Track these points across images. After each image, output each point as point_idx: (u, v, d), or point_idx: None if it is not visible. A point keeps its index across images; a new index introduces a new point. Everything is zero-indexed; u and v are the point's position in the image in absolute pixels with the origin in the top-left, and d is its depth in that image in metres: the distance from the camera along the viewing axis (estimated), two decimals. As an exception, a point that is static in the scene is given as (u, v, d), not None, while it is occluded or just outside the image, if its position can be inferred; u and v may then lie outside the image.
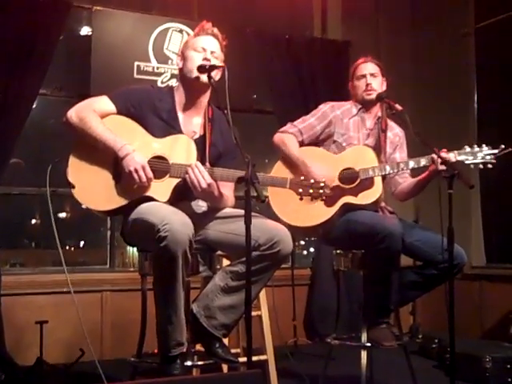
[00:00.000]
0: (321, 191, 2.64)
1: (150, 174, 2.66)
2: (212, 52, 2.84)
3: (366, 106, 3.43)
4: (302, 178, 2.67)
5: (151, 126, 2.80)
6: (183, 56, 2.90)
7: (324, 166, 3.20)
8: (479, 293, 5.02)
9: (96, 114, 2.75)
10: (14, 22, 4.38)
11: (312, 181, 2.64)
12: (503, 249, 5.14)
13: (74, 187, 2.71)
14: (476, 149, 3.09)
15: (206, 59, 2.80)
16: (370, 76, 3.38)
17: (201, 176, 2.63)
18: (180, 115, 2.88)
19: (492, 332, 4.84)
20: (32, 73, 4.44)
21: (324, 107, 3.48)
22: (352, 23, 5.77)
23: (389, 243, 3.00)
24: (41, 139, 5.44)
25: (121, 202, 2.71)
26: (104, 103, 2.81)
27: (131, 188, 2.68)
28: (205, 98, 2.92)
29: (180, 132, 2.83)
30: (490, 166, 3.09)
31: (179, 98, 2.91)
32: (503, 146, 3.07)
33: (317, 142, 3.47)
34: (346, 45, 5.65)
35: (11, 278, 4.42)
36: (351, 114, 3.44)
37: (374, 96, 3.36)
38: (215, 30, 2.90)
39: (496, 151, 3.07)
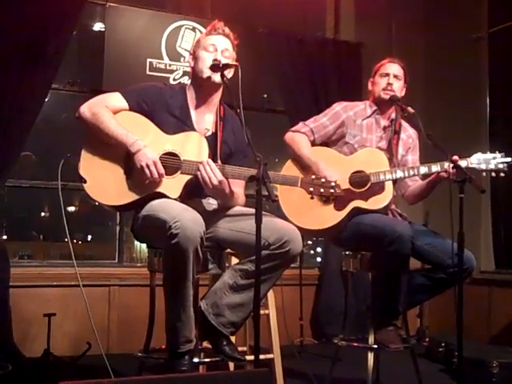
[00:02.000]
0: (331, 190, 2.64)
1: (162, 170, 2.67)
2: (223, 51, 2.84)
3: (381, 107, 3.41)
4: (314, 176, 2.67)
5: (163, 123, 2.81)
6: (195, 55, 2.90)
7: (335, 170, 3.17)
8: (488, 298, 5.00)
9: (108, 109, 2.76)
10: (28, 17, 4.39)
11: (323, 180, 2.64)
12: (512, 254, 5.12)
13: (85, 182, 2.72)
14: (489, 156, 3.08)
15: (215, 60, 2.79)
16: (394, 77, 3.36)
17: (212, 173, 2.64)
18: (192, 112, 2.89)
19: (500, 337, 4.82)
20: (44, 67, 4.46)
21: (337, 107, 3.46)
22: (365, 25, 5.76)
23: (398, 246, 2.99)
24: (52, 133, 5.47)
25: (132, 197, 2.72)
26: (116, 99, 2.82)
27: (142, 183, 2.69)
28: (217, 97, 2.93)
29: (192, 129, 2.83)
30: (502, 174, 3.08)
31: (191, 95, 2.92)
32: None
33: (329, 142, 3.46)
34: (359, 46, 5.64)
35: (20, 270, 4.45)
36: (365, 115, 3.42)
37: (388, 97, 3.35)
38: (226, 30, 2.90)
39: (509, 159, 3.06)
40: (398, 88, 3.37)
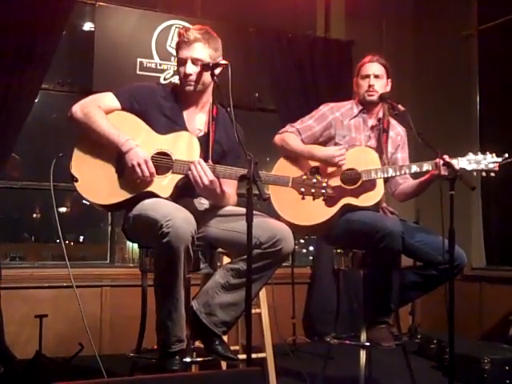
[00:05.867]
0: (323, 191, 2.64)
1: (153, 169, 2.67)
2: (195, 60, 2.77)
3: (367, 106, 3.42)
4: (305, 177, 2.67)
5: (155, 123, 2.80)
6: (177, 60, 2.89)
7: (327, 168, 3.19)
8: (479, 294, 5.02)
9: (101, 109, 2.76)
10: (18, 17, 4.38)
11: (314, 180, 2.64)
12: (503, 251, 5.13)
13: (76, 180, 2.71)
14: (479, 156, 3.08)
15: (185, 74, 2.78)
16: (374, 77, 3.35)
17: (203, 172, 2.64)
18: (184, 113, 2.88)
19: (491, 333, 4.84)
20: (34, 67, 4.45)
21: (323, 108, 3.46)
22: (355, 23, 5.77)
23: (389, 242, 2.99)
24: (42, 134, 5.45)
25: (123, 196, 2.72)
26: (109, 99, 2.82)
27: (134, 182, 2.69)
28: (207, 96, 2.92)
29: (184, 129, 2.82)
30: (492, 174, 3.08)
31: (183, 95, 2.90)
32: (507, 155, 3.05)
33: (317, 144, 3.46)
34: (349, 44, 5.65)
35: (11, 272, 4.43)
36: (352, 115, 3.42)
37: (375, 98, 3.35)
38: (195, 34, 2.77)
39: (499, 159, 3.06)
40: (381, 86, 3.36)
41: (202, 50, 2.78)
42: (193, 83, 2.79)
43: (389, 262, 3.08)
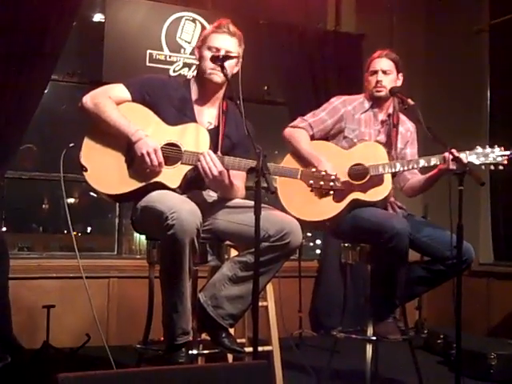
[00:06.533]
0: (331, 184, 2.63)
1: (162, 159, 2.67)
2: (227, 52, 2.80)
3: (377, 101, 3.40)
4: (314, 169, 2.67)
5: (165, 115, 2.81)
6: (200, 52, 2.88)
7: (335, 164, 3.15)
8: (486, 290, 5.01)
9: (111, 100, 2.77)
10: (28, 8, 4.38)
11: (323, 173, 2.63)
12: (511, 246, 5.12)
13: (86, 170, 2.72)
14: (488, 150, 3.06)
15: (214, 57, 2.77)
16: (382, 73, 3.33)
17: (212, 163, 2.63)
18: (195, 106, 2.89)
19: (498, 329, 4.83)
20: (44, 58, 4.46)
21: (335, 101, 3.44)
22: (366, 16, 5.74)
23: (396, 243, 2.99)
24: (52, 125, 5.46)
25: (132, 185, 2.72)
26: (120, 90, 2.82)
27: (143, 172, 2.69)
28: (220, 92, 2.93)
29: (194, 121, 2.83)
30: (501, 167, 3.06)
31: (195, 89, 2.91)
32: None
33: (327, 136, 3.46)
34: (360, 38, 5.61)
35: (19, 262, 4.44)
36: (363, 109, 3.41)
37: (383, 94, 3.33)
38: (231, 28, 2.85)
39: (508, 153, 3.04)
40: (390, 82, 3.34)
41: (236, 47, 2.85)
42: (220, 74, 2.77)
43: (395, 261, 3.07)
